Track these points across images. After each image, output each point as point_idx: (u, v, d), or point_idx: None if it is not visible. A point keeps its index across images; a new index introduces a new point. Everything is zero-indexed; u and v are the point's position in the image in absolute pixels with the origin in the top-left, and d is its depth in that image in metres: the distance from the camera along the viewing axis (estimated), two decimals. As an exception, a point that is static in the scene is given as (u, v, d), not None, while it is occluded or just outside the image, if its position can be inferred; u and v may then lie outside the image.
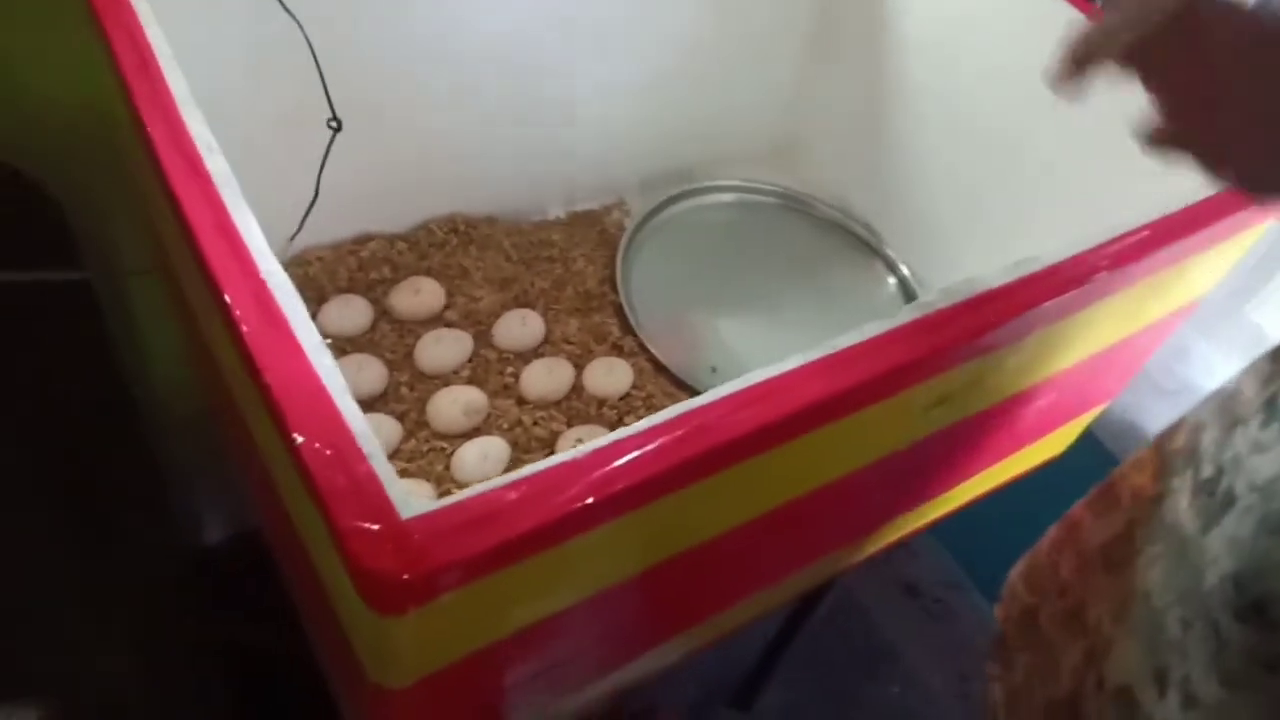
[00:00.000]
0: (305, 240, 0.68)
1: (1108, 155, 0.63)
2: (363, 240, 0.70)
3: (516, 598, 0.38)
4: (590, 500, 0.35)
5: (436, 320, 0.68)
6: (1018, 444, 0.67)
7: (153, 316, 0.73)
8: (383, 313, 0.68)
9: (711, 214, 0.81)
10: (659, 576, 0.45)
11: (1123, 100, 0.40)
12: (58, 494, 0.62)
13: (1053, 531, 0.60)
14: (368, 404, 0.63)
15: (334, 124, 0.58)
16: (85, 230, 0.65)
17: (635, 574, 0.44)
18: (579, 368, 0.67)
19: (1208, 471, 0.47)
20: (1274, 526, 0.41)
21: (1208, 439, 0.48)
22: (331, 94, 0.60)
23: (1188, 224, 0.53)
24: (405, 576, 0.32)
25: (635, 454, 0.36)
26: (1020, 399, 0.57)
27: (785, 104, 0.86)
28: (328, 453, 0.34)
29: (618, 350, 0.69)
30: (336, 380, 0.36)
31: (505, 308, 0.69)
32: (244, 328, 0.37)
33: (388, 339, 0.66)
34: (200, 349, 0.54)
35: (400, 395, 0.64)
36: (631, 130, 0.79)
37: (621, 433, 0.37)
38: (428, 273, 0.70)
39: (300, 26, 0.56)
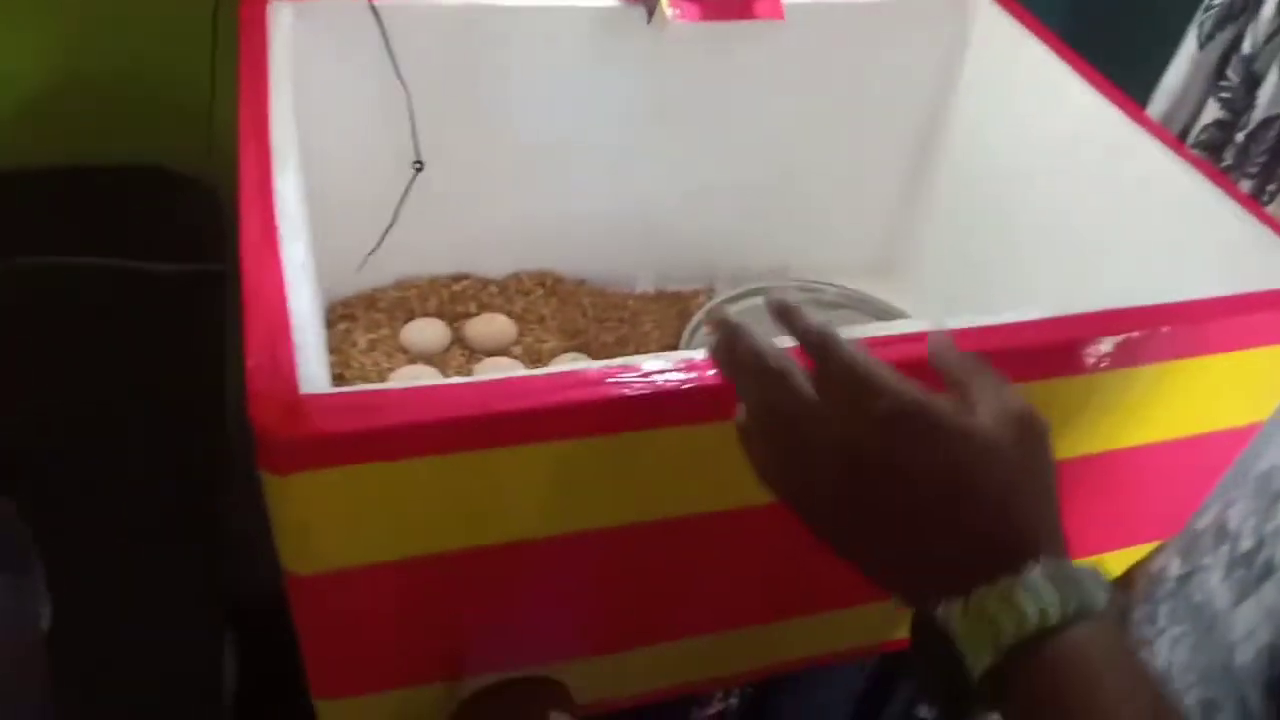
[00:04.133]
0: (410, 269, 0.78)
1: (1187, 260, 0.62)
2: (459, 278, 0.80)
3: (411, 510, 0.42)
4: (473, 413, 0.40)
5: (503, 353, 0.76)
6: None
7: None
8: (459, 339, 0.76)
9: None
10: (577, 550, 0.47)
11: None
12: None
13: None
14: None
15: (417, 165, 0.68)
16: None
17: (547, 535, 0.46)
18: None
19: (1246, 545, 0.45)
20: None
21: (1237, 514, 0.46)
22: (448, 153, 0.71)
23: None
24: (283, 431, 0.38)
25: (523, 389, 0.41)
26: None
27: (883, 225, 0.89)
28: (265, 337, 0.41)
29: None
30: (299, 295, 0.44)
31: (566, 351, 0.76)
32: (245, 250, 0.46)
33: (455, 360, 0.74)
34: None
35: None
36: (729, 227, 0.85)
37: (533, 371, 0.42)
38: (508, 314, 0.78)
39: (407, 92, 0.67)
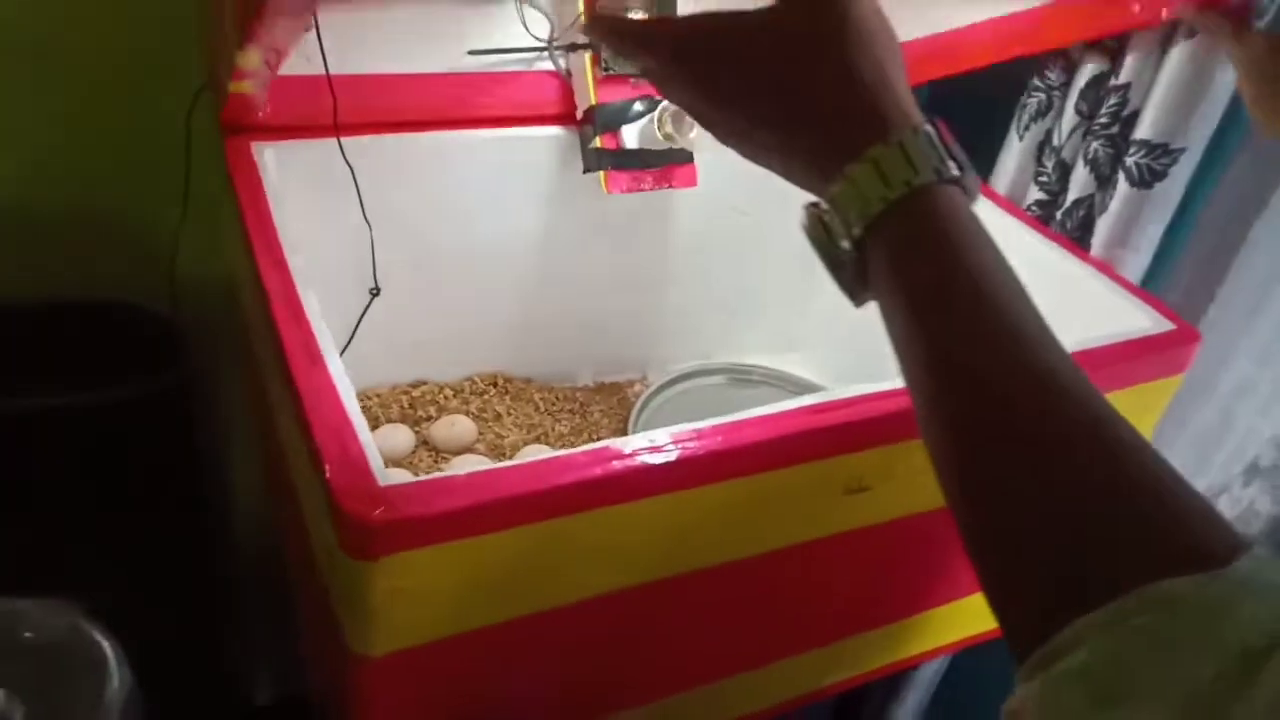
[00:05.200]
0: (371, 380, 0.82)
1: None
2: (417, 384, 0.84)
3: (477, 587, 0.47)
4: (529, 489, 0.45)
5: (468, 451, 0.80)
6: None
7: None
8: (424, 442, 0.80)
9: (714, 391, 0.93)
10: (613, 604, 0.52)
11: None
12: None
13: None
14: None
15: (374, 291, 0.74)
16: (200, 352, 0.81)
17: (594, 595, 0.51)
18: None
19: None
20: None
21: None
22: (401, 274, 0.76)
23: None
24: (376, 518, 0.42)
25: (568, 465, 0.47)
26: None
27: (788, 311, 1.00)
28: (334, 439, 0.46)
29: (620, 485, 0.79)
30: (350, 398, 0.49)
31: (526, 444, 0.81)
32: (294, 368, 0.50)
33: (424, 462, 0.79)
34: (265, 416, 0.66)
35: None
36: (658, 322, 0.94)
37: (561, 452, 0.48)
38: (466, 414, 0.83)
39: (369, 228, 0.73)
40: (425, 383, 0.85)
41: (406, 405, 0.82)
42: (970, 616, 0.74)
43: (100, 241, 0.80)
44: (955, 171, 0.36)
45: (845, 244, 0.37)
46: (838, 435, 0.54)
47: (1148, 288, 0.87)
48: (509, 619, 0.49)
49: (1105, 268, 0.76)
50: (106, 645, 0.40)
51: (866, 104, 0.36)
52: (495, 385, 0.87)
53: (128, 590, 0.73)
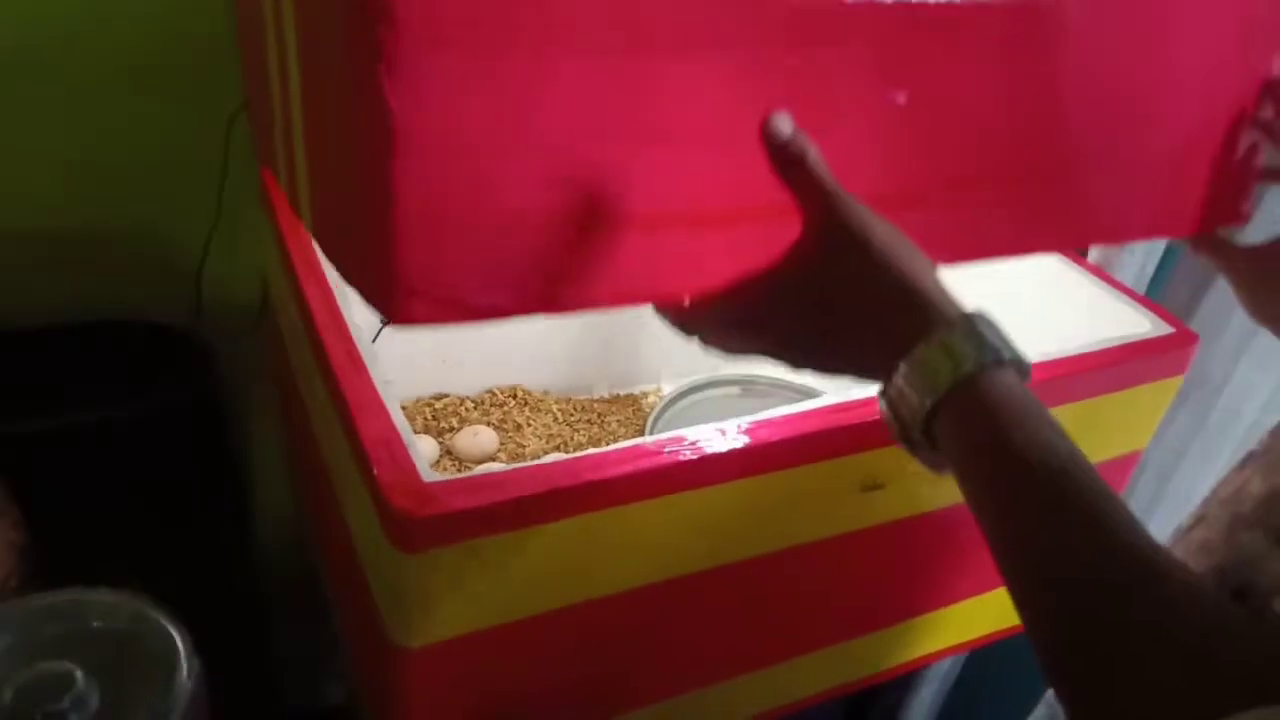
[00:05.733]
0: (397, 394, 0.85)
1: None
2: (439, 397, 0.87)
3: (514, 579, 0.49)
4: (565, 484, 0.48)
5: (490, 460, 0.82)
6: (987, 578, 0.74)
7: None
8: (447, 452, 0.83)
9: (727, 401, 0.96)
10: (639, 599, 0.55)
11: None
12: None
13: None
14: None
15: (385, 320, 0.77)
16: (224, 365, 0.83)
17: (618, 591, 0.53)
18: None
19: (1189, 522, 0.55)
20: (1249, 525, 0.49)
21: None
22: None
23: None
24: (424, 513, 0.45)
25: (601, 462, 0.49)
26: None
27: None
28: (380, 441, 0.48)
29: (639, 491, 0.81)
30: (393, 402, 0.51)
31: (546, 452, 0.83)
32: (340, 375, 0.53)
33: (448, 471, 0.81)
34: (298, 425, 0.69)
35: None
36: (669, 335, 0.96)
37: (591, 450, 0.50)
38: (487, 424, 0.85)
39: None
40: (447, 395, 0.87)
41: (430, 417, 0.85)
42: (984, 615, 0.76)
43: (127, 259, 0.82)
44: (993, 357, 0.39)
45: (916, 429, 0.41)
46: (855, 434, 0.56)
47: (1146, 288, 0.90)
48: (542, 612, 0.51)
49: (1104, 274, 0.78)
50: (176, 634, 0.42)
51: (905, 313, 0.41)
52: (514, 397, 0.89)
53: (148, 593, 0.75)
